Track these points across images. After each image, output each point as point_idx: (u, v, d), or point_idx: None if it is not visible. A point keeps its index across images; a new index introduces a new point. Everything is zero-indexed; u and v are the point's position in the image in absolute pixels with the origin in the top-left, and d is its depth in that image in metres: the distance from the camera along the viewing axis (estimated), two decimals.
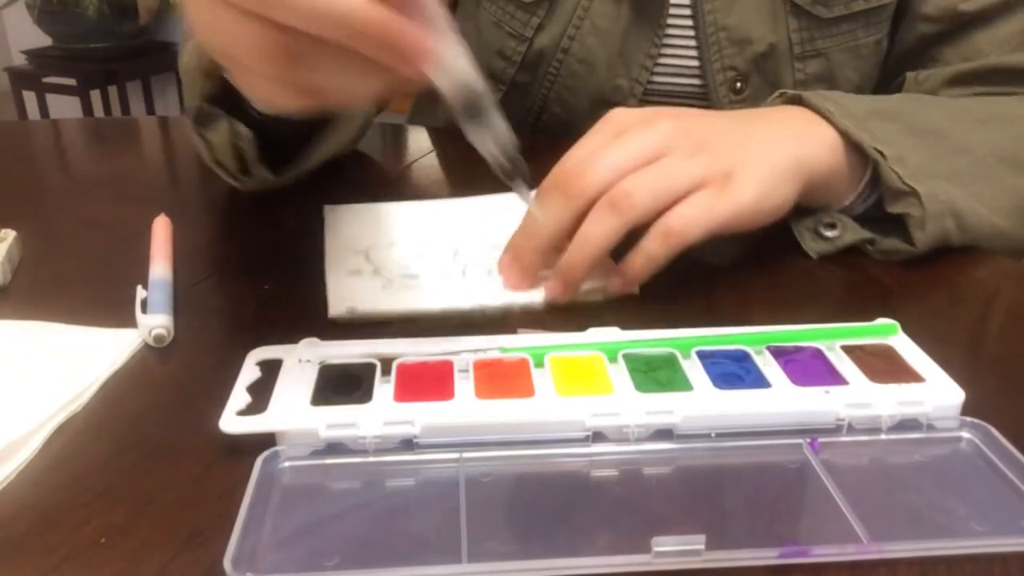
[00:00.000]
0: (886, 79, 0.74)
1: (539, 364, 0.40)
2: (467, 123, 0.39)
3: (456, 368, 0.39)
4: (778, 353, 0.41)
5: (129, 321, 0.45)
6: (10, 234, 0.54)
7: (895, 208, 0.53)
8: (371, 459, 0.35)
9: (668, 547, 0.29)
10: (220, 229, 0.63)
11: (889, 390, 0.38)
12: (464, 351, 0.40)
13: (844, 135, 0.53)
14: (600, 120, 0.51)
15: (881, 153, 0.52)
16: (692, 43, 0.70)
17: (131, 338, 0.44)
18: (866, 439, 0.37)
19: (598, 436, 0.36)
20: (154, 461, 0.36)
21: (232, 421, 0.36)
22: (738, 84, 0.70)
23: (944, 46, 0.69)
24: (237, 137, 0.51)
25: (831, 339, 0.42)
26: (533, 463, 0.35)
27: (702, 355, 0.40)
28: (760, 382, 0.38)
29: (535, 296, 0.49)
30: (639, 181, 0.47)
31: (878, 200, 0.55)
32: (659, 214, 0.47)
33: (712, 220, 0.47)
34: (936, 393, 0.38)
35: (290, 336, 0.42)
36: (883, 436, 0.37)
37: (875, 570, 0.30)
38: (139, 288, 0.47)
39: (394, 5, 0.32)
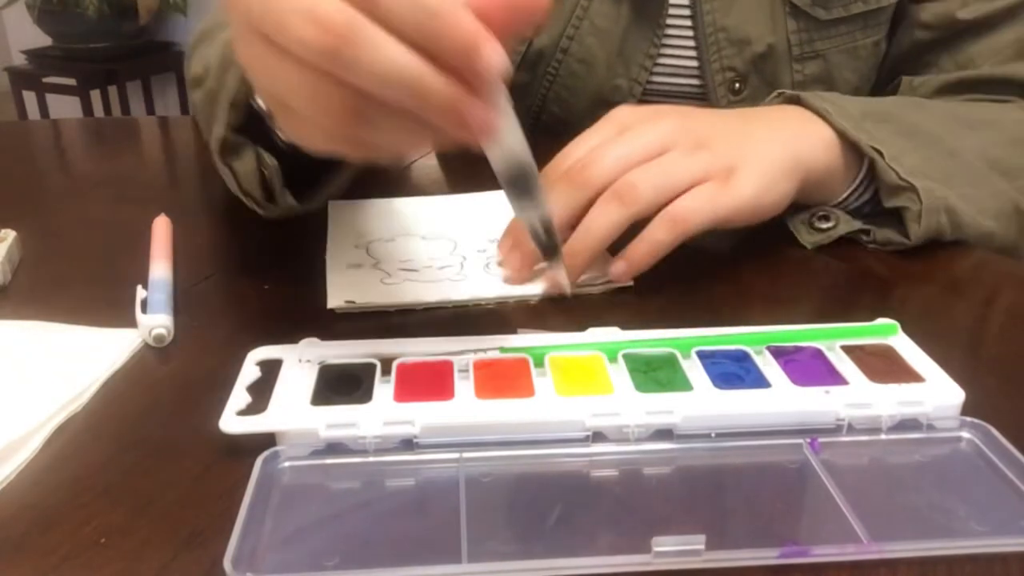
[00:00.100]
0: (881, 82, 0.74)
1: (539, 364, 0.40)
2: (512, 195, 0.40)
3: (456, 368, 0.39)
4: (778, 353, 0.41)
5: (129, 321, 0.45)
6: (10, 234, 0.54)
7: (893, 202, 0.54)
8: (371, 459, 0.35)
9: (668, 547, 0.29)
10: (220, 229, 0.63)
11: (889, 390, 0.38)
12: (464, 351, 0.40)
13: (841, 135, 0.54)
14: (604, 117, 0.52)
15: (879, 152, 0.53)
16: (691, 43, 0.70)
17: (131, 338, 0.44)
18: (866, 439, 0.37)
19: (598, 436, 0.36)
20: (154, 461, 0.36)
21: (232, 421, 0.36)
22: (737, 85, 0.71)
23: (939, 53, 0.70)
24: (264, 166, 0.51)
25: (831, 339, 0.42)
26: (533, 463, 0.35)
27: (702, 355, 0.40)
28: (760, 382, 0.38)
29: (534, 288, 0.49)
30: (644, 174, 0.48)
31: (870, 197, 0.57)
32: (661, 207, 0.48)
33: (714, 211, 0.48)
34: (936, 393, 0.38)
35: (290, 336, 0.42)
36: (883, 436, 0.37)
37: (875, 570, 0.30)
38: (139, 288, 0.47)
39: (461, 76, 0.32)
